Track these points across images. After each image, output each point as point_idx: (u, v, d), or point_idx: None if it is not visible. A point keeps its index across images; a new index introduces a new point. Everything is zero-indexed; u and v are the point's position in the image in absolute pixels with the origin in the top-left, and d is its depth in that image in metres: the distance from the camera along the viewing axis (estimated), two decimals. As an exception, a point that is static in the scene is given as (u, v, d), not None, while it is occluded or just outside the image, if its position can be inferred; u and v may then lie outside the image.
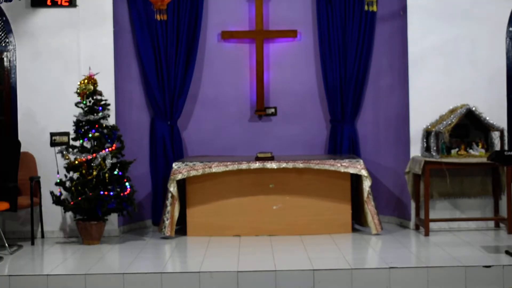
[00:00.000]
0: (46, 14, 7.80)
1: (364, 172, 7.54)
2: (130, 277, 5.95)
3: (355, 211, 7.80)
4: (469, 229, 7.79)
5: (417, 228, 7.85)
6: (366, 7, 7.12)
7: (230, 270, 6.01)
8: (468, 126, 7.73)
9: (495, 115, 7.70)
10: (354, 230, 7.75)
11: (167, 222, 7.54)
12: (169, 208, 7.55)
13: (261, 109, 8.60)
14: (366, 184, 7.54)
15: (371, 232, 7.52)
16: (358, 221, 7.86)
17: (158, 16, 7.32)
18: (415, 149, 7.84)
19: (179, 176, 7.53)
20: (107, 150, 7.29)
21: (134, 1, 8.22)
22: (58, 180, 7.40)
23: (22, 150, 7.36)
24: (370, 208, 7.53)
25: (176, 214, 7.58)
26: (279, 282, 5.89)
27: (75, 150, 7.31)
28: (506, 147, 7.60)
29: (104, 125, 7.37)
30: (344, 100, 8.46)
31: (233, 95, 8.68)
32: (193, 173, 7.55)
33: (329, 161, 7.59)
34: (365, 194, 7.53)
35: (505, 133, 7.61)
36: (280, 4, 8.66)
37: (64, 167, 7.38)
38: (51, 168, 7.66)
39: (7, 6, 7.70)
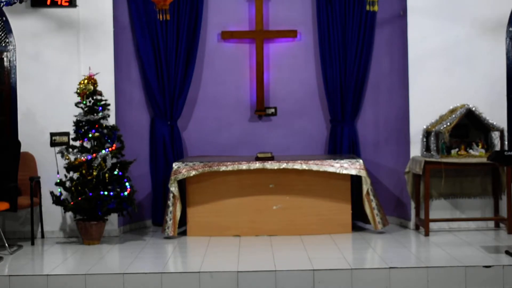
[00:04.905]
0: (46, 14, 7.79)
1: (363, 173, 7.54)
2: (130, 277, 5.95)
3: (359, 209, 7.80)
4: (469, 229, 7.79)
5: (417, 228, 7.85)
6: (367, 7, 7.08)
7: (230, 270, 6.01)
8: (468, 126, 7.73)
9: (495, 115, 7.70)
10: (354, 230, 7.75)
11: (170, 222, 7.54)
12: (171, 208, 7.55)
13: (261, 109, 8.60)
14: (366, 184, 7.55)
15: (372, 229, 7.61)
16: (361, 218, 7.89)
17: (160, 16, 7.29)
18: (415, 149, 7.84)
19: (180, 176, 7.53)
20: (107, 150, 7.29)
21: (134, 1, 8.22)
22: (58, 180, 7.40)
23: (22, 150, 7.36)
24: (369, 206, 7.55)
25: (178, 214, 7.58)
26: (279, 282, 5.89)
27: (75, 150, 7.32)
28: (506, 147, 7.59)
29: (104, 125, 7.37)
30: (344, 100, 8.46)
31: (233, 95, 8.68)
32: (193, 172, 7.56)
33: (329, 161, 7.59)
34: (364, 192, 7.55)
35: (505, 133, 7.61)
36: (280, 4, 8.66)
37: (64, 167, 7.38)
38: (51, 168, 7.66)
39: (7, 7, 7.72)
